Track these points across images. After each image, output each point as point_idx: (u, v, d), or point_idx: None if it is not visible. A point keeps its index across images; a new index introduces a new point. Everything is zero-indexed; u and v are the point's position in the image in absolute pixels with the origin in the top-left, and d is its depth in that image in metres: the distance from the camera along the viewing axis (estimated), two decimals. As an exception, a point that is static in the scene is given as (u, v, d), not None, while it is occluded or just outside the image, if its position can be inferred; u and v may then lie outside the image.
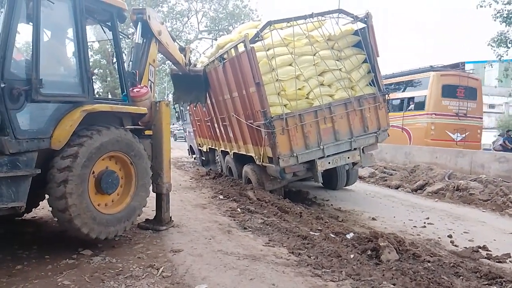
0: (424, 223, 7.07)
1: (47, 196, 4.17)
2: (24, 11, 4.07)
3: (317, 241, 5.00)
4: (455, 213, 7.92)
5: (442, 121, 14.76)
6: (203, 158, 13.59)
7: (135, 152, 4.80)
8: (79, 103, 4.34)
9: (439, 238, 6.18)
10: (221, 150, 10.64)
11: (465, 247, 5.58)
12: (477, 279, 4.35)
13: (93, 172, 4.36)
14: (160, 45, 6.61)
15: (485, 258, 5.27)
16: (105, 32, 5.26)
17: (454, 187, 9.61)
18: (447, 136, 14.73)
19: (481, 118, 16.32)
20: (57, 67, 4.60)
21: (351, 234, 5.50)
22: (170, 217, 5.66)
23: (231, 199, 7.42)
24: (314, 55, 7.70)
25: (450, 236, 6.22)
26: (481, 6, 17.06)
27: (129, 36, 8.29)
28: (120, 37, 5.42)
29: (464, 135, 14.87)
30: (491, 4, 16.88)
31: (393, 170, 12.67)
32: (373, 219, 7.34)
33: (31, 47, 4.01)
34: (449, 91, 14.80)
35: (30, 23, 4.09)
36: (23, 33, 4.34)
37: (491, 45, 17.99)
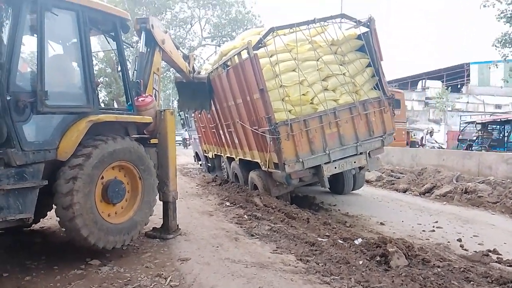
0: (433, 227, 7.00)
1: (54, 207, 4.18)
2: (28, 23, 4.09)
3: (325, 247, 4.97)
4: (464, 216, 7.85)
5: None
6: (209, 165, 13.60)
7: (145, 166, 4.83)
8: (84, 113, 4.36)
9: (449, 242, 6.12)
10: (227, 157, 10.64)
11: (475, 251, 5.52)
12: (488, 284, 4.29)
13: (102, 178, 4.39)
14: (164, 54, 6.64)
15: (496, 262, 5.19)
16: (109, 42, 5.31)
17: (462, 190, 9.52)
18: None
19: (405, 122, 18.89)
20: (62, 78, 4.62)
21: (360, 240, 5.45)
22: (177, 225, 5.66)
23: (238, 205, 7.41)
24: (318, 60, 7.69)
25: (459, 240, 6.15)
26: (484, 6, 17.01)
27: (133, 45, 8.36)
28: (124, 46, 5.45)
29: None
30: (494, 4, 16.83)
31: (400, 173, 12.60)
32: (381, 223, 7.28)
33: (36, 58, 4.05)
34: None
35: (35, 35, 4.13)
36: (28, 43, 4.40)
37: (495, 46, 17.92)
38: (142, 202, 4.84)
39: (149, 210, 4.96)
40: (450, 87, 40.30)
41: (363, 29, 8.07)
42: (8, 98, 3.74)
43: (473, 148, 18.75)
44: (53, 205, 4.17)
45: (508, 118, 19.07)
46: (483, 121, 20.38)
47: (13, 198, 3.72)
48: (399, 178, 12.07)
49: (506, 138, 18.68)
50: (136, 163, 4.75)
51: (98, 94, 4.79)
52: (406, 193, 10.62)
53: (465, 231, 6.78)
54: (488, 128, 19.89)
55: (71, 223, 4.05)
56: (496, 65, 20.16)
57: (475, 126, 20.27)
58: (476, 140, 19.61)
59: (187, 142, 30.64)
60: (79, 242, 4.22)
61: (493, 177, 10.05)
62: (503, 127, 19.41)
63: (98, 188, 4.35)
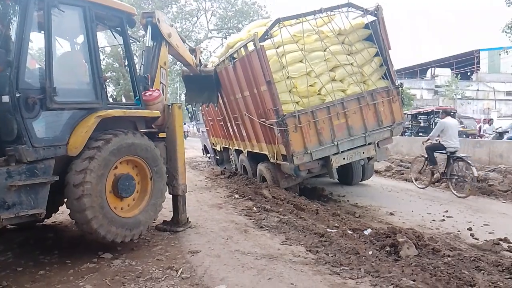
0: (443, 216, 6.97)
1: (65, 200, 4.23)
2: (36, 20, 4.11)
3: (334, 238, 4.98)
4: (475, 205, 7.79)
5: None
6: (218, 158, 13.64)
7: (158, 168, 4.90)
8: (93, 109, 4.39)
9: (459, 231, 6.09)
10: (235, 149, 10.67)
11: (486, 240, 5.48)
12: (499, 272, 4.26)
13: (115, 169, 4.46)
14: (170, 48, 6.64)
15: (507, 250, 5.17)
16: (115, 37, 5.32)
17: (473, 179, 9.41)
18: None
19: None
20: (70, 74, 4.65)
21: (369, 230, 5.45)
22: (187, 218, 5.70)
23: (247, 198, 7.43)
24: (325, 50, 7.64)
25: (470, 229, 6.12)
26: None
27: (140, 40, 8.35)
28: (131, 41, 5.46)
29: None
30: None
31: (410, 162, 12.50)
32: (391, 214, 7.26)
33: (44, 55, 4.07)
34: None
35: (42, 31, 4.16)
36: (35, 40, 4.44)
37: (505, 31, 17.60)
38: (149, 203, 4.85)
39: (154, 213, 4.96)
40: (459, 75, 39.77)
41: (371, 18, 7.99)
42: (18, 95, 3.78)
43: (405, 134, 21.82)
44: (64, 198, 4.22)
45: (432, 110, 22.88)
46: (412, 113, 24.52)
47: (25, 194, 3.77)
48: (408, 167, 11.99)
49: (431, 126, 21.06)
50: (150, 162, 4.81)
51: (106, 89, 4.82)
52: (416, 182, 10.55)
53: (476, 220, 6.74)
54: (417, 118, 23.87)
55: (81, 215, 4.10)
56: (507, 51, 19.81)
57: (407, 117, 22.67)
58: (409, 128, 23.34)
59: (186, 134, 30.66)
60: (89, 235, 4.27)
61: (504, 165, 9.96)
62: (428, 117, 22.99)
63: (109, 180, 4.40)
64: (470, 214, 7.15)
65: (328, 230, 5.46)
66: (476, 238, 5.74)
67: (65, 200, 4.20)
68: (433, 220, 6.79)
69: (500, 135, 16.08)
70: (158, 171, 4.92)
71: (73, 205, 4.12)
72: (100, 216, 4.20)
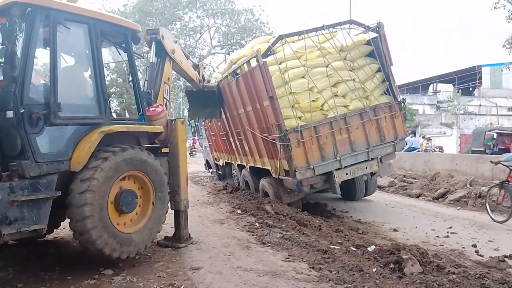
0: (447, 232, 6.90)
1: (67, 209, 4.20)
2: (41, 36, 4.17)
3: (337, 255, 4.93)
4: (479, 221, 7.72)
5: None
6: (220, 172, 13.62)
7: (162, 194, 4.92)
8: (96, 124, 4.41)
9: (463, 248, 6.03)
10: (237, 164, 10.65)
11: (491, 257, 5.42)
12: (506, 290, 4.20)
13: (123, 179, 4.48)
14: (174, 64, 6.71)
15: (513, 268, 5.10)
16: (120, 54, 5.37)
17: (477, 194, 9.38)
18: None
19: None
20: (75, 90, 4.69)
21: (373, 247, 5.39)
22: (189, 234, 5.66)
23: (249, 213, 7.39)
24: (327, 66, 7.69)
25: (474, 246, 6.05)
26: (495, 8, 16.84)
27: (144, 56, 8.44)
28: (135, 57, 5.52)
29: None
30: (505, 5, 16.66)
31: (413, 178, 12.47)
32: (395, 230, 7.20)
33: (48, 71, 4.11)
34: None
35: (47, 48, 4.20)
36: (40, 56, 4.48)
37: (506, 47, 17.72)
38: (145, 226, 4.78)
39: (148, 238, 4.81)
40: (461, 90, 39.84)
41: (372, 35, 8.06)
42: (22, 110, 3.81)
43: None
44: (66, 212, 4.21)
45: None
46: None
47: (27, 209, 3.77)
48: (411, 183, 11.94)
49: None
50: (156, 186, 4.83)
51: (110, 104, 4.85)
52: (419, 198, 10.50)
53: (480, 236, 6.67)
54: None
55: (85, 236, 4.09)
56: (508, 67, 19.90)
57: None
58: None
59: (194, 152, 30.50)
60: (94, 253, 4.26)
61: (509, 181, 9.86)
62: None
63: (113, 193, 4.39)
64: (474, 230, 7.08)
65: (331, 246, 5.41)
66: (481, 255, 5.66)
67: (67, 209, 4.17)
68: (437, 236, 6.72)
69: None
70: (161, 198, 4.92)
71: (76, 227, 4.10)
72: (100, 227, 4.16)
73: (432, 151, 19.85)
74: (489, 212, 7.90)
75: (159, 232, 5.09)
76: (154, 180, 4.79)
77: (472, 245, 6.09)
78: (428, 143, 21.11)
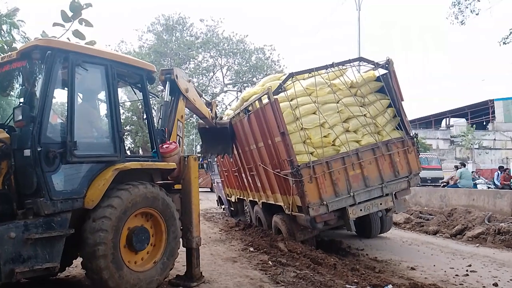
0: (467, 271, 6.65)
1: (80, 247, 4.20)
2: (60, 78, 4.33)
3: (353, 294, 4.77)
4: (499, 259, 7.44)
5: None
6: (232, 209, 13.51)
7: (175, 235, 4.97)
8: (111, 162, 4.48)
9: (484, 287, 5.80)
10: (250, 200, 10.58)
11: (515, 297, 5.19)
12: (533, 333, 3.99)
13: (128, 228, 4.46)
14: (187, 101, 6.86)
15: (539, 309, 4.86)
16: (135, 93, 5.53)
17: (495, 231, 9.09)
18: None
19: None
20: (90, 129, 4.82)
21: (390, 286, 5.23)
22: (201, 273, 5.56)
23: (262, 251, 7.26)
24: (338, 102, 7.76)
25: (495, 285, 5.82)
26: (504, 43, 16.95)
27: (158, 95, 8.66)
28: (150, 96, 5.67)
29: None
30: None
31: (429, 214, 12.17)
32: (412, 268, 6.97)
33: (66, 110, 4.23)
34: None
35: (65, 88, 4.34)
36: (58, 95, 4.62)
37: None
38: (160, 261, 4.82)
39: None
40: (474, 125, 39.61)
41: (382, 71, 8.16)
42: (39, 149, 3.90)
43: None
44: (78, 251, 4.20)
45: None
46: None
47: (41, 247, 3.79)
48: (428, 219, 11.64)
49: None
50: (168, 223, 4.87)
51: (124, 142, 4.94)
52: (437, 235, 10.20)
53: (501, 274, 6.42)
54: None
55: (97, 275, 4.07)
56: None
57: None
58: None
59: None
60: (98, 284, 4.21)
61: (529, 216, 9.59)
62: None
63: (124, 234, 4.39)
64: (495, 268, 6.82)
65: (347, 286, 5.25)
66: (504, 295, 5.43)
67: (79, 248, 4.18)
68: (456, 275, 6.48)
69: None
70: (174, 233, 4.98)
71: (88, 265, 4.10)
72: (112, 266, 4.14)
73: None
74: None
75: (171, 270, 5.02)
76: (166, 216, 4.78)
77: (493, 284, 5.85)
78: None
